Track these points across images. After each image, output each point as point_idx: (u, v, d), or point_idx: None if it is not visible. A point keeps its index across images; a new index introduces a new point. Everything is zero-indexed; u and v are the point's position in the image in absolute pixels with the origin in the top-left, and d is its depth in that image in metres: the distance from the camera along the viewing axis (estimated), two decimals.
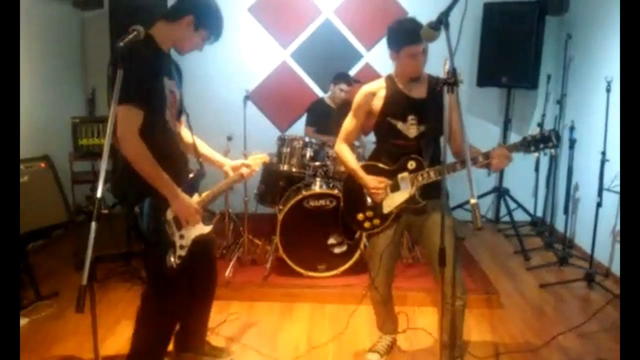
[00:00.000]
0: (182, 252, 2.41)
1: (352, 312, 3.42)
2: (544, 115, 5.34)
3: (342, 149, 2.82)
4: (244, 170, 2.69)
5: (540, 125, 5.29)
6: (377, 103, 2.65)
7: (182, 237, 2.42)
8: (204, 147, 2.70)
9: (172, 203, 2.32)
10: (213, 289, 2.87)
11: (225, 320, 3.48)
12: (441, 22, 2.13)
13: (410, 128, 2.61)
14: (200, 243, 2.52)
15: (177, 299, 2.49)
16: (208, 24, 2.38)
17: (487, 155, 2.45)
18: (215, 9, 2.41)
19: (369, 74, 5.26)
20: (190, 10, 2.33)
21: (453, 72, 2.05)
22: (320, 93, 5.64)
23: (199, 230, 2.50)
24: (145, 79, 2.22)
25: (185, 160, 2.53)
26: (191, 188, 2.49)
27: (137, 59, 2.10)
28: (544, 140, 2.41)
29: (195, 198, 2.51)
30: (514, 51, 5.11)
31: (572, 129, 4.59)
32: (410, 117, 2.61)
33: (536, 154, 2.52)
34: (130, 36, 2.02)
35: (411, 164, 2.62)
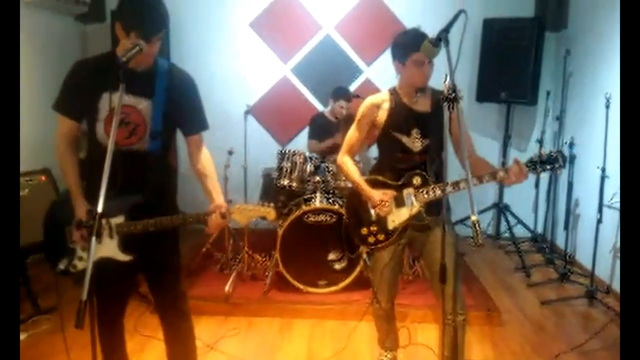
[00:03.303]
0: (79, 264, 2.27)
1: (353, 328, 3.40)
2: (543, 132, 5.36)
3: (346, 162, 2.77)
4: (212, 221, 2.23)
5: (540, 141, 5.31)
6: (381, 115, 2.63)
7: (84, 249, 2.25)
8: (208, 178, 2.36)
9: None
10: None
11: (224, 336, 3.46)
12: (441, 39, 2.15)
13: (415, 142, 2.59)
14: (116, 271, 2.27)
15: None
16: (123, 17, 2.08)
17: (506, 171, 2.43)
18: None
19: (369, 89, 5.27)
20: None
21: (453, 88, 2.05)
22: (320, 108, 5.66)
23: (104, 251, 2.22)
24: (69, 90, 2.24)
25: (124, 179, 2.17)
26: (118, 209, 2.23)
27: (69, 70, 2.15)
28: (551, 161, 2.41)
29: (118, 220, 2.24)
30: (513, 67, 5.14)
31: (571, 145, 4.60)
32: (414, 131, 2.59)
33: (543, 175, 2.49)
34: (133, 51, 2.00)
35: (416, 180, 2.60)
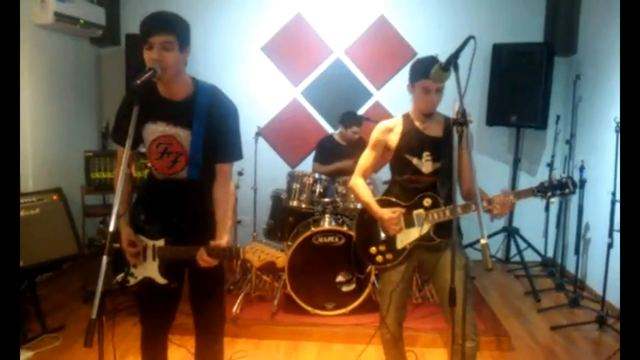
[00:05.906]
0: (131, 279, 2.38)
1: (361, 352, 3.37)
2: (553, 155, 5.35)
3: (358, 183, 2.79)
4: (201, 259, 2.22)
5: (550, 165, 5.29)
6: (394, 138, 2.68)
7: (134, 266, 2.38)
8: (221, 213, 2.33)
9: None
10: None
11: (231, 358, 3.44)
12: (450, 63, 2.18)
13: (425, 164, 2.62)
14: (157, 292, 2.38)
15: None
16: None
17: (490, 202, 2.46)
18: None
19: (379, 113, 5.33)
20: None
21: (463, 112, 2.08)
22: (330, 130, 5.69)
23: (147, 271, 2.35)
24: (118, 119, 2.32)
25: (166, 205, 2.36)
26: (161, 233, 2.33)
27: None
28: (561, 187, 2.45)
29: (159, 243, 2.33)
30: (523, 91, 5.16)
31: (581, 169, 4.59)
32: (425, 154, 2.62)
33: (553, 200, 2.52)
34: (147, 75, 2.05)
35: (427, 201, 2.61)
